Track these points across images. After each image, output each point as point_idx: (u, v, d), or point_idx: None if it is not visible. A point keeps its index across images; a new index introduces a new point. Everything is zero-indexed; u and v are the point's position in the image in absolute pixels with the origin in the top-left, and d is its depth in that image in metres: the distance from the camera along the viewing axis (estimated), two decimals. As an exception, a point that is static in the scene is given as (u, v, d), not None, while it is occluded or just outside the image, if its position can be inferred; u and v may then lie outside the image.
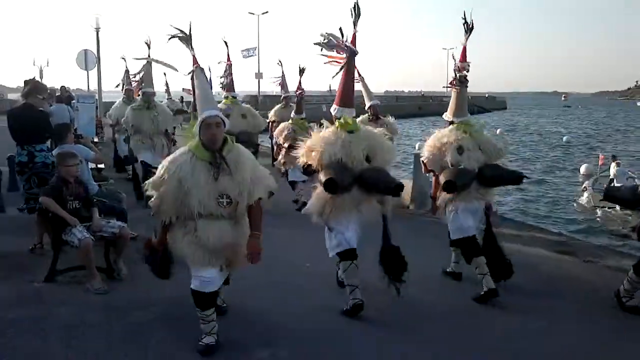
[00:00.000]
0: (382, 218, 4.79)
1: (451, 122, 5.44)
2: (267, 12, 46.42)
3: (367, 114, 8.63)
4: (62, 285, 5.30)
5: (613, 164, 16.63)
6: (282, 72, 12.33)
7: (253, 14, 45.80)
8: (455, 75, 5.41)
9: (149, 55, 8.43)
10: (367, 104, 8.63)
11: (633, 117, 74.42)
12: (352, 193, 4.56)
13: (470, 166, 5.13)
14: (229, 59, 9.74)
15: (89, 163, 6.54)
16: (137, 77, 9.84)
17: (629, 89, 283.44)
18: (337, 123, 4.79)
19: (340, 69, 4.83)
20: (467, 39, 5.35)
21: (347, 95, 4.90)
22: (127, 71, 12.49)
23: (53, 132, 6.57)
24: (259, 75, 43.29)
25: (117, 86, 13.71)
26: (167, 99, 15.95)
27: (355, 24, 4.72)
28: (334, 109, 4.95)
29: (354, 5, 4.69)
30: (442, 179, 5.15)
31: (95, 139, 11.52)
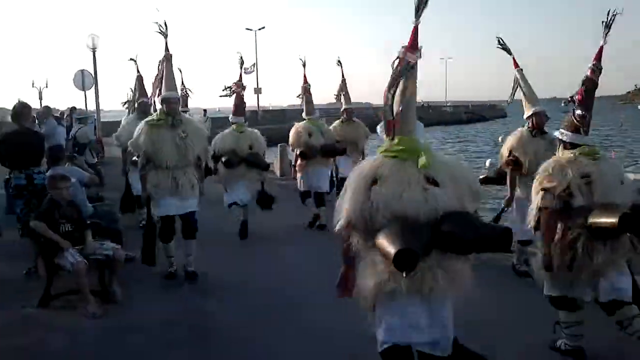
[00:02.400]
0: None
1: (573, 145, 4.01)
2: (263, 27, 46.58)
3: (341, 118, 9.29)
4: (55, 310, 5.20)
5: None
6: (343, 76, 9.23)
7: (250, 30, 45.99)
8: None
9: (167, 54, 6.02)
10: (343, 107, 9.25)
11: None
12: None
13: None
14: (306, 80, 8.82)
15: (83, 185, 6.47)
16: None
17: (628, 92, 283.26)
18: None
19: None
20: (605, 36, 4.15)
21: None
22: (139, 77, 8.94)
23: (48, 154, 6.53)
24: (257, 91, 43.38)
25: (125, 103, 10.29)
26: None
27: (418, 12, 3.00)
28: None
29: None
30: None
31: (94, 159, 11.25)
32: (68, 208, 5.33)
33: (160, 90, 6.02)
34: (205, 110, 23.05)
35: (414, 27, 2.99)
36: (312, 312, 5.03)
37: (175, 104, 5.91)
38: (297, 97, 8.99)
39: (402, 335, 2.88)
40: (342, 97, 9.29)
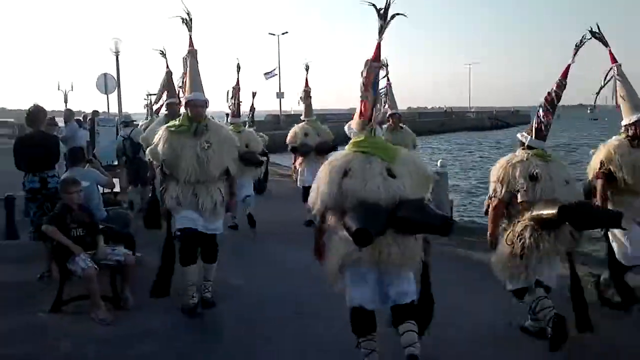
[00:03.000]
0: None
1: None
2: (287, 32, 46.62)
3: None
4: (67, 315, 5.15)
5: None
6: (388, 79, 8.07)
7: (274, 34, 46.08)
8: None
9: (191, 50, 5.33)
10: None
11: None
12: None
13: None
14: (237, 83, 8.99)
15: (98, 187, 6.43)
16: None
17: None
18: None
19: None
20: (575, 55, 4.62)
21: None
22: (168, 73, 8.15)
23: (68, 155, 6.57)
24: (280, 95, 43.56)
25: (148, 105, 10.78)
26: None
27: (381, 30, 3.75)
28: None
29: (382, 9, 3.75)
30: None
31: (115, 162, 11.19)
32: (80, 212, 5.29)
33: (184, 90, 5.42)
34: (227, 115, 23.06)
35: (377, 43, 3.72)
36: (317, 320, 4.95)
37: (201, 108, 5.13)
38: (300, 99, 9.71)
39: (362, 298, 3.60)
40: (387, 100, 8.47)
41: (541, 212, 4.13)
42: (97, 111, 18.36)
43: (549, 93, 4.56)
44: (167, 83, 8.13)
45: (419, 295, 3.78)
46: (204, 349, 4.49)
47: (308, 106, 9.54)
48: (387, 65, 5.99)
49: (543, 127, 4.54)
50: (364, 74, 3.72)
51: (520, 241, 4.21)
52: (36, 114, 6.38)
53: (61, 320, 5.04)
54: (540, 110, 4.55)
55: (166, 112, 7.72)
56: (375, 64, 3.74)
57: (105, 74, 17.01)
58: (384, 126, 6.85)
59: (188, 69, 5.28)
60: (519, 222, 4.29)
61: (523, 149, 4.55)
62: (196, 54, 5.30)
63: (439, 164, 9.46)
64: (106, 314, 4.98)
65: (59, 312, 5.17)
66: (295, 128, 9.34)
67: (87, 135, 12.56)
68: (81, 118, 17.54)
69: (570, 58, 4.56)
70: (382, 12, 3.70)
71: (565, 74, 4.54)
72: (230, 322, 5.02)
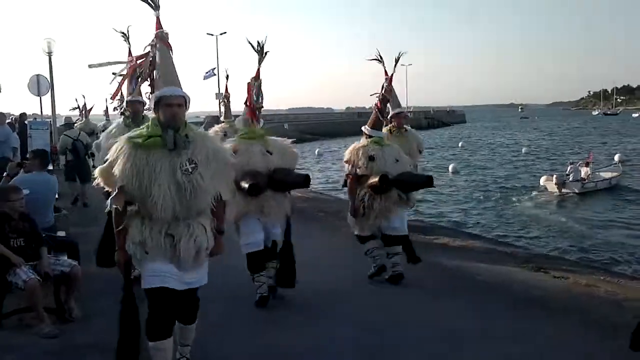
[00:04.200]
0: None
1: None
2: (225, 32, 46.07)
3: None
4: (8, 330, 4.89)
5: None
6: (386, 74, 6.50)
7: (212, 35, 45.45)
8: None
9: (160, 33, 3.79)
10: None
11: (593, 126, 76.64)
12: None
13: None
14: (227, 90, 11.68)
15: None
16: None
17: (581, 99, 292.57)
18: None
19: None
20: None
21: None
22: (132, 61, 4.44)
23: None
24: (219, 96, 42.99)
25: (75, 108, 14.40)
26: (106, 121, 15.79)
27: (259, 61, 5.50)
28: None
29: (258, 45, 5.49)
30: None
31: (50, 167, 10.83)
32: (20, 221, 5.04)
33: (151, 86, 3.88)
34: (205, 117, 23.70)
35: (257, 69, 5.56)
36: (332, 321, 5.13)
37: (178, 107, 3.53)
38: (221, 103, 11.79)
39: (254, 240, 5.29)
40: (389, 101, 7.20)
41: (371, 180, 5.81)
42: (24, 113, 17.60)
43: (379, 98, 6.19)
44: (162, 59, 6.55)
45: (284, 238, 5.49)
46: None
47: (227, 109, 11.36)
48: (382, 61, 6.63)
49: (378, 121, 6.16)
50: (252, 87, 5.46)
51: (361, 203, 5.94)
52: None
53: (3, 335, 4.78)
54: (376, 109, 6.15)
55: (127, 113, 6.00)
56: (255, 82, 5.48)
57: (37, 75, 16.29)
58: (384, 129, 6.59)
59: (158, 57, 3.74)
60: (362, 190, 5.94)
61: (366, 138, 6.13)
62: (167, 37, 3.78)
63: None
64: (51, 327, 4.76)
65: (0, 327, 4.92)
66: (216, 128, 10.68)
67: (17, 140, 12.02)
68: (12, 120, 16.80)
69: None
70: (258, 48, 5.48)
71: (390, 81, 6.28)
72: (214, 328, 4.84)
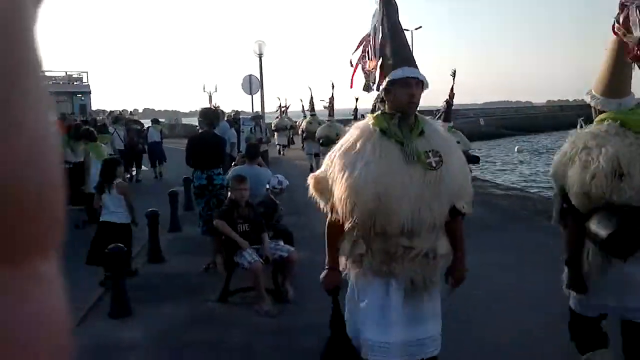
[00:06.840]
0: None
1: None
2: (420, 27, 45.73)
3: None
4: (233, 305, 5.43)
5: None
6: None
7: (407, 30, 45.47)
8: None
9: None
10: None
11: None
12: None
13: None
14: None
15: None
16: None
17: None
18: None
19: None
20: None
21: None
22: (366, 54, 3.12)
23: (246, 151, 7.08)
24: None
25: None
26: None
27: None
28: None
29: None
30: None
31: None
32: (246, 208, 5.53)
33: (381, 66, 2.84)
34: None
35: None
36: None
37: (417, 91, 2.71)
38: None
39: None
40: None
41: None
42: (238, 111, 19.35)
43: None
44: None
45: None
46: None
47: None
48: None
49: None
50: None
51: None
52: (211, 115, 6.84)
53: (228, 310, 5.31)
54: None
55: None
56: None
57: (250, 75, 17.75)
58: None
59: (390, 29, 2.86)
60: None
61: (596, 114, 4.25)
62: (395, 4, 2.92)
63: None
64: (271, 307, 5.17)
65: (225, 303, 5.45)
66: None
67: (235, 134, 13.25)
68: (229, 118, 18.59)
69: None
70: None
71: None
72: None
